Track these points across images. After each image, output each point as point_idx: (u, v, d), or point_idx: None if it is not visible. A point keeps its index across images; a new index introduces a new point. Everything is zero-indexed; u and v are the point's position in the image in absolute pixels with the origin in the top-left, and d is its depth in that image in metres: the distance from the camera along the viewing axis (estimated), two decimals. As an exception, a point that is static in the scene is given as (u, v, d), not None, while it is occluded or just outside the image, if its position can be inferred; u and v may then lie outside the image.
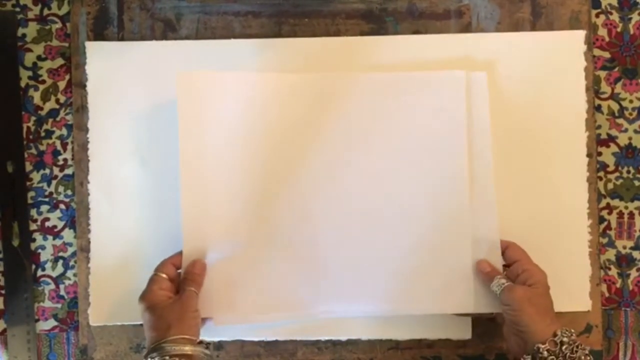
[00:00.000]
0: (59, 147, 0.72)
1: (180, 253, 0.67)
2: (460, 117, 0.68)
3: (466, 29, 0.72)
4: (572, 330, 0.60)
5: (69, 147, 0.72)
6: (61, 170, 0.72)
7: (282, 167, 0.68)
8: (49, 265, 0.72)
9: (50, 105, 0.72)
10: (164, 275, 0.65)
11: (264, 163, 0.68)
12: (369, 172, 0.68)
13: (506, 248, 0.66)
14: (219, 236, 0.68)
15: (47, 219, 0.72)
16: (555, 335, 0.59)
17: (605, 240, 0.72)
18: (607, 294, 0.72)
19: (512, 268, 0.65)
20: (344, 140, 0.69)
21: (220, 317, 0.67)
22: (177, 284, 0.66)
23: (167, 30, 0.72)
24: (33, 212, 0.72)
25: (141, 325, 0.70)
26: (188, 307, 0.63)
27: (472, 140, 0.68)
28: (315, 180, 0.68)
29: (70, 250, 0.72)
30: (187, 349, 0.60)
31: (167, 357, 0.59)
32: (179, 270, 0.67)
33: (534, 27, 0.72)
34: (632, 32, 0.73)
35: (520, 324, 0.61)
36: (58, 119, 0.72)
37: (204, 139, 0.68)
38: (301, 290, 0.68)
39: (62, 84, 0.72)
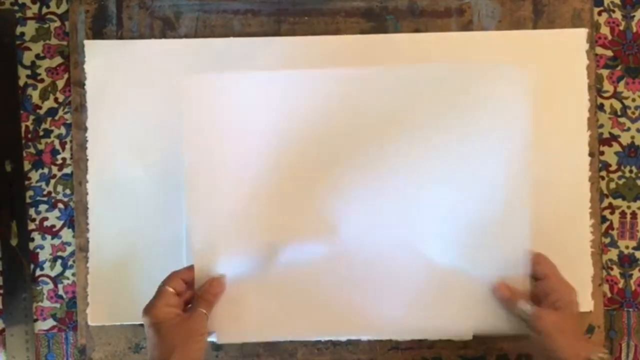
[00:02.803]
0: (57, 146, 0.72)
1: (190, 267, 0.64)
2: (519, 120, 0.63)
3: (467, 27, 0.71)
4: (606, 352, 0.58)
5: (68, 146, 0.72)
6: (60, 169, 0.72)
7: (298, 175, 0.65)
8: (47, 264, 0.72)
9: (49, 104, 0.72)
10: (172, 290, 0.61)
11: (277, 169, 0.65)
12: (399, 182, 0.64)
13: (536, 262, 0.63)
14: (227, 250, 0.65)
15: (46, 219, 0.72)
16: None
17: (607, 240, 0.72)
18: (609, 295, 0.71)
19: (541, 285, 0.62)
20: (368, 144, 0.64)
21: (224, 334, 0.65)
22: (185, 299, 0.63)
23: (166, 28, 0.72)
24: (31, 211, 0.72)
25: (140, 325, 0.70)
26: (196, 330, 0.60)
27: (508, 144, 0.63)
28: (335, 189, 0.65)
29: (69, 249, 0.72)
30: None
31: None
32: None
33: (535, 26, 0.71)
34: (634, 30, 0.72)
35: (551, 350, 0.59)
36: (57, 117, 0.72)
37: (210, 147, 0.65)
38: (312, 312, 0.65)
39: (60, 83, 0.72)
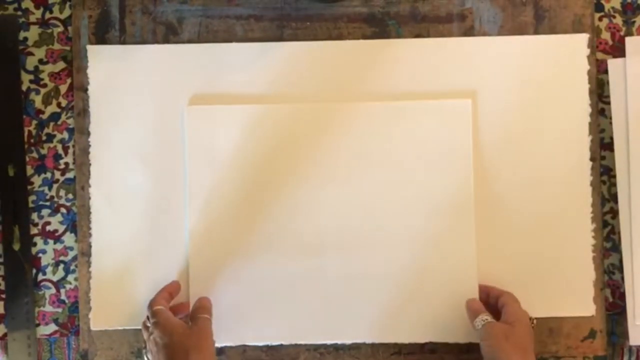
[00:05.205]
0: (60, 151, 0.72)
1: (171, 284, 0.69)
2: (467, 144, 0.70)
3: (469, 32, 0.72)
4: None
5: (70, 150, 0.72)
6: (62, 174, 0.72)
7: (285, 196, 0.70)
8: (49, 269, 0.72)
9: (52, 109, 0.72)
10: (163, 307, 0.65)
11: (267, 191, 0.70)
12: (372, 199, 0.70)
13: (500, 296, 0.68)
14: (224, 266, 0.70)
15: (48, 223, 0.72)
16: None
17: (609, 245, 0.72)
18: (611, 299, 0.72)
19: (501, 311, 0.66)
20: (347, 168, 0.70)
21: (225, 336, 0.69)
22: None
23: (169, 33, 0.72)
24: (34, 216, 0.72)
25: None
26: (206, 334, 0.63)
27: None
28: (319, 208, 0.70)
29: (71, 254, 0.72)
30: None
31: None
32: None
33: (536, 31, 0.72)
34: (635, 35, 0.72)
35: (495, 357, 0.62)
36: (59, 122, 0.72)
37: (212, 169, 0.70)
38: (301, 320, 0.70)
39: (63, 88, 0.72)
